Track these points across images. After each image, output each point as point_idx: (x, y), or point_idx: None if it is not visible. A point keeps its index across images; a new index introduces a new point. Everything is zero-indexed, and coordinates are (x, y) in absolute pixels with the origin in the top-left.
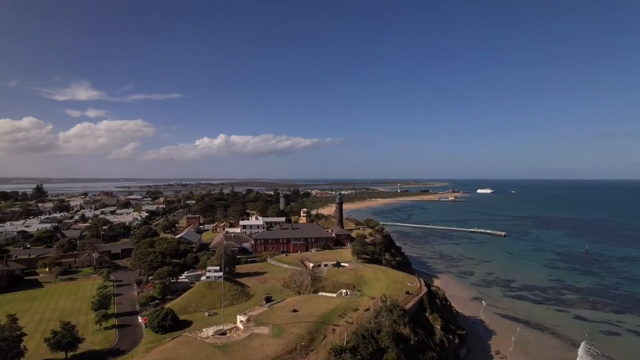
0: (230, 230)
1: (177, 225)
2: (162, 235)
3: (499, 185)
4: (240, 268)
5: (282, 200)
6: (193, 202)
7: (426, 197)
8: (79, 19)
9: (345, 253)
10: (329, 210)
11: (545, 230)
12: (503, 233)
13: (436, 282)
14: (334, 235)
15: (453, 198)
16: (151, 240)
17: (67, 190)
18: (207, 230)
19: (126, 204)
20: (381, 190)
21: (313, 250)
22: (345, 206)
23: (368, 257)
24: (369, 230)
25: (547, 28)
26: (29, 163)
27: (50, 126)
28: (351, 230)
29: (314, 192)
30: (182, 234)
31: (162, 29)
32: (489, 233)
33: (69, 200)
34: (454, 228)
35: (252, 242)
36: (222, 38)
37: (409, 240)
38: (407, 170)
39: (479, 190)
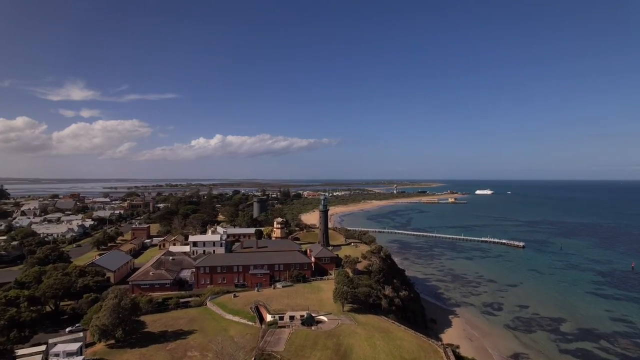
0: (175, 249)
1: (120, 238)
2: (88, 255)
3: (494, 185)
4: (156, 322)
5: (255, 205)
6: (168, 205)
7: (424, 199)
8: (74, 19)
9: (327, 290)
10: (317, 215)
11: (567, 239)
12: (521, 244)
13: (456, 323)
14: (312, 259)
15: (453, 200)
16: (40, 270)
17: (49, 191)
18: (156, 245)
19: (83, 209)
20: (376, 191)
21: (279, 286)
22: (338, 209)
23: (360, 299)
24: (363, 247)
25: (543, 30)
26: (22, 163)
27: (45, 126)
28: (339, 247)
29: (305, 193)
30: (100, 257)
31: (157, 30)
32: (504, 243)
33: (23, 204)
34: (462, 237)
35: (194, 270)
36: (219, 39)
37: (411, 254)
38: (402, 170)
39: (477, 191)
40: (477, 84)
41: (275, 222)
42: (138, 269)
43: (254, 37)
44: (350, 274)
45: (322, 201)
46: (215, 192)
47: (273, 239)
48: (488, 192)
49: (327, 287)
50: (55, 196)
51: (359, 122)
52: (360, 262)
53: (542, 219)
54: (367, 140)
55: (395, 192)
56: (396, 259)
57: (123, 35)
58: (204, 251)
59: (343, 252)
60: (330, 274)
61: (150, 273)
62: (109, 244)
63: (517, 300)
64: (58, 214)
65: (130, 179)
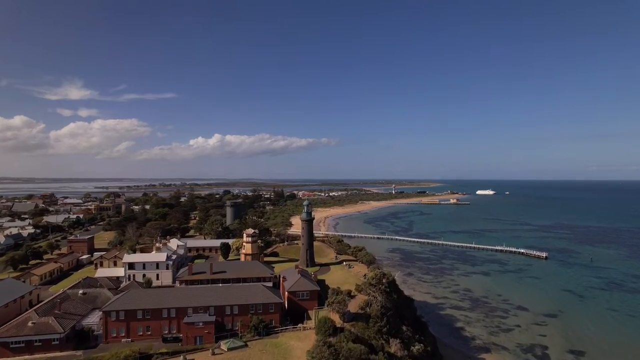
0: (105, 272)
1: (57, 252)
2: None
3: (492, 185)
4: None
5: (229, 210)
6: (147, 207)
7: (424, 200)
8: (72, 18)
9: (299, 358)
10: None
11: (593, 248)
12: (544, 254)
13: None
14: (285, 293)
15: (455, 201)
16: None
17: (35, 191)
18: (95, 263)
19: (42, 212)
20: (374, 191)
21: (224, 347)
22: (333, 210)
23: None
24: (359, 268)
25: (541, 27)
26: (19, 163)
27: (42, 125)
28: (328, 266)
29: (300, 193)
30: None
31: (155, 29)
32: (523, 253)
33: None
34: (473, 245)
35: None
36: (218, 37)
37: (417, 267)
38: (400, 170)
39: (478, 192)
40: (474, 83)
41: (245, 234)
42: (40, 303)
43: (254, 36)
44: (339, 322)
45: (305, 207)
46: (207, 192)
47: (242, 255)
48: (490, 192)
49: (300, 347)
50: (30, 196)
51: (358, 122)
52: (354, 296)
53: (554, 222)
54: (366, 140)
55: (394, 192)
56: (399, 275)
57: (121, 34)
58: (144, 275)
59: (331, 277)
60: (309, 320)
61: (30, 323)
62: (32, 262)
63: (565, 342)
64: (5, 219)
65: (126, 179)
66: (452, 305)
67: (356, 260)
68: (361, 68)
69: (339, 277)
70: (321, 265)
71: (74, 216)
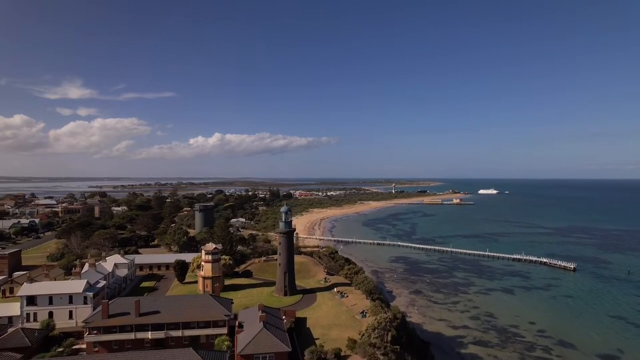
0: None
1: None
2: None
3: (491, 184)
4: None
5: (198, 216)
6: (125, 208)
7: (426, 199)
8: (70, 17)
9: None
10: (305, 220)
11: (623, 256)
12: (572, 265)
13: None
14: (239, 358)
15: (458, 200)
16: None
17: (22, 190)
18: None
19: (2, 214)
20: (374, 190)
21: None
22: (330, 212)
23: None
24: (355, 298)
25: (539, 26)
26: (18, 162)
27: (42, 124)
28: (314, 293)
29: (297, 192)
30: None
31: (154, 27)
32: (546, 263)
33: None
34: (487, 253)
35: None
36: (216, 36)
37: (425, 283)
38: (399, 169)
39: (481, 191)
40: (472, 83)
41: (203, 252)
42: None
43: (254, 35)
44: None
45: (283, 215)
46: (203, 190)
47: (199, 279)
48: (493, 191)
49: None
50: (5, 197)
51: (359, 121)
52: (346, 358)
53: (568, 224)
54: (366, 138)
55: (394, 191)
56: (404, 292)
57: (120, 33)
58: (51, 314)
59: (317, 313)
60: None
61: None
62: None
63: None
64: None
65: (123, 178)
66: (475, 339)
67: (351, 285)
68: (361, 67)
69: (326, 314)
70: (304, 291)
71: (27, 221)
